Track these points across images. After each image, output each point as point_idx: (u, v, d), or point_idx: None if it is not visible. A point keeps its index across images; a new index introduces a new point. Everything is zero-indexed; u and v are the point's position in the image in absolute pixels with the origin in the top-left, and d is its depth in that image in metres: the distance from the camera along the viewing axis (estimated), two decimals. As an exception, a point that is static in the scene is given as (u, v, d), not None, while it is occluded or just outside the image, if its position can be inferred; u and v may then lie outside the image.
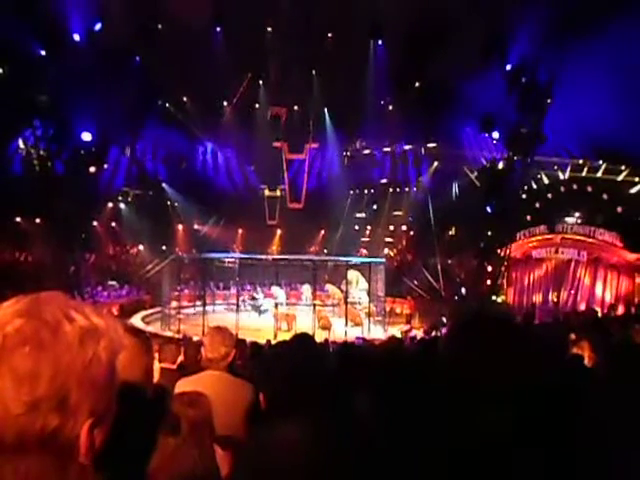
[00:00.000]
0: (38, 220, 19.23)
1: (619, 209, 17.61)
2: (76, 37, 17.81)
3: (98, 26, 18.25)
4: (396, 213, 26.55)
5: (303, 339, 2.28)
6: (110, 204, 24.49)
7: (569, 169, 19.74)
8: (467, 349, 1.34)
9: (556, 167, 20.10)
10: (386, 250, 25.97)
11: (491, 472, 1.25)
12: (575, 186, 19.15)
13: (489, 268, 19.00)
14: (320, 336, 14.10)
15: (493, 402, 1.29)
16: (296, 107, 25.64)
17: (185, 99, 24.61)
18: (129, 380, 1.10)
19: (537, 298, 19.21)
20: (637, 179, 18.18)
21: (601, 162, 18.88)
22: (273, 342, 10.40)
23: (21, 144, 18.93)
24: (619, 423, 1.78)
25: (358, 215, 27.74)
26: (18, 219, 19.76)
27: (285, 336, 10.28)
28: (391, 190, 27.09)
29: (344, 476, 1.61)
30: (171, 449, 1.59)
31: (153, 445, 1.64)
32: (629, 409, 1.88)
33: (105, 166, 21.84)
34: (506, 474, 1.26)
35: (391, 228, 26.69)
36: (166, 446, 1.61)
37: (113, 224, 24.58)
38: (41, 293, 0.83)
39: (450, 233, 22.45)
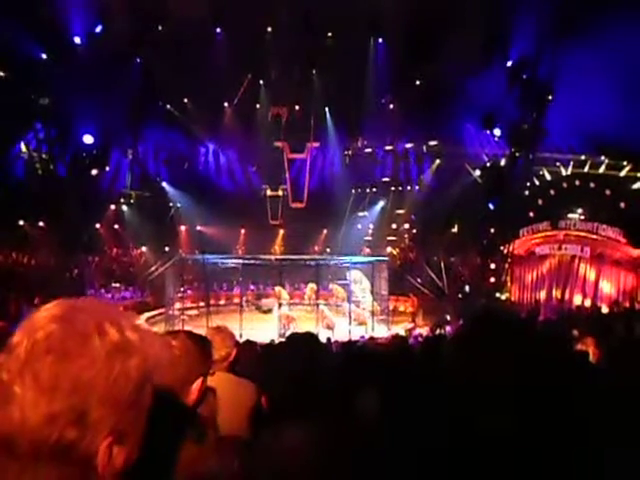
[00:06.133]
0: (41, 223, 19.29)
1: (622, 205, 17.52)
2: (77, 40, 17.86)
3: (99, 28, 18.31)
4: (398, 211, 26.50)
5: (307, 339, 2.28)
6: (112, 206, 24.48)
7: (571, 165, 19.66)
8: (476, 348, 1.34)
9: (558, 163, 20.03)
10: (389, 249, 25.92)
11: (492, 472, 1.25)
12: (577, 182, 19.05)
13: (492, 265, 18.98)
14: (323, 335, 14.10)
15: (496, 402, 1.28)
16: (297, 106, 25.60)
17: (186, 100, 24.60)
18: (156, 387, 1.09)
19: (541, 295, 19.17)
20: (640, 174, 18.14)
21: (603, 158, 18.81)
22: (277, 342, 10.39)
23: (23, 147, 18.99)
24: (623, 420, 1.78)
25: (360, 214, 27.71)
26: (21, 222, 19.79)
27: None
28: (393, 188, 27.03)
29: (347, 477, 1.61)
30: (191, 452, 1.56)
31: (176, 454, 1.60)
32: (634, 405, 1.87)
33: (107, 168, 21.92)
34: (507, 474, 1.26)
35: (394, 226, 26.64)
36: (186, 450, 1.58)
37: (116, 226, 24.58)
38: (81, 299, 0.82)
39: (453, 231, 22.40)
